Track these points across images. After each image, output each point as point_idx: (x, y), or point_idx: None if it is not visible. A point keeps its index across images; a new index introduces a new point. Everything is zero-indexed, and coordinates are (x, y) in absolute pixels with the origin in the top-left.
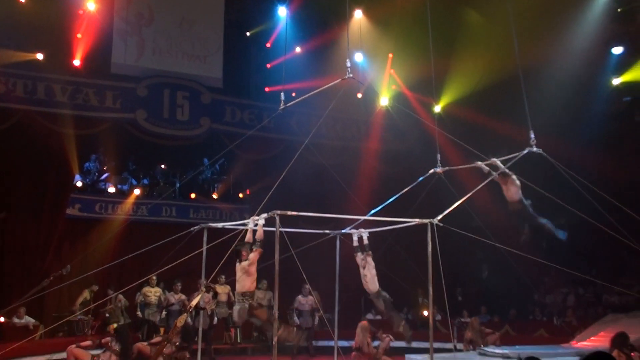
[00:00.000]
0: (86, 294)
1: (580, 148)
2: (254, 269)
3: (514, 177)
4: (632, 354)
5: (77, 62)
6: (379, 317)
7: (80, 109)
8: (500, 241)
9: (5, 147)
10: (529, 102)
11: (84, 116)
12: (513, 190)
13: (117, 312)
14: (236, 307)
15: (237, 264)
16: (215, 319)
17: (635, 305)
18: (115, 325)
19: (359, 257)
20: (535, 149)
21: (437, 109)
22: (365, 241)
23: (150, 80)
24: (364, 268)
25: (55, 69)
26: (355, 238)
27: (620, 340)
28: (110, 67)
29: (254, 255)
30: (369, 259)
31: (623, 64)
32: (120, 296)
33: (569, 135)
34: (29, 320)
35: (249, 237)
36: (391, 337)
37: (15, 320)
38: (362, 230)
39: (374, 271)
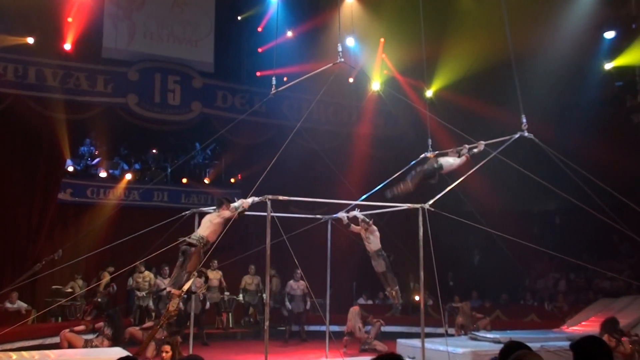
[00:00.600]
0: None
1: (571, 133)
2: (219, 225)
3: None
4: (623, 338)
5: (67, 47)
6: (370, 301)
7: (71, 94)
8: (492, 226)
9: None
10: (521, 86)
11: (75, 101)
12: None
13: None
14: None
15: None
16: (208, 303)
17: (625, 290)
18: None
19: (356, 228)
20: (526, 134)
21: (429, 93)
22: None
23: (141, 65)
24: (366, 230)
25: (46, 53)
26: (345, 220)
27: (610, 325)
28: (101, 51)
29: (227, 213)
30: (373, 227)
31: (615, 49)
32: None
33: (560, 120)
34: (21, 305)
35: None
36: (382, 322)
37: (8, 305)
38: (355, 212)
39: (377, 233)
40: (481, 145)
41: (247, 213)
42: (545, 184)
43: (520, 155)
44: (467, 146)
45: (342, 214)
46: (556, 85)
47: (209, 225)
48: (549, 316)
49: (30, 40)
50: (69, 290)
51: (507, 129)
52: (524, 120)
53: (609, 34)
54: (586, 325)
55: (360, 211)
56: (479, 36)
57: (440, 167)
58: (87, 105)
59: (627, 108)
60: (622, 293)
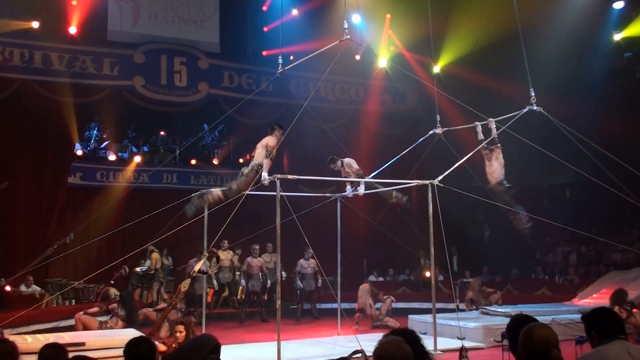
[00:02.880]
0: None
1: (580, 105)
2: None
3: (500, 152)
4: (635, 310)
5: (73, 30)
6: (380, 278)
7: (78, 77)
8: None
9: (5, 117)
10: (529, 60)
11: (82, 84)
12: (496, 167)
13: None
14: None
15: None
16: (215, 283)
17: (636, 262)
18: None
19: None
20: (535, 108)
21: (436, 69)
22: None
23: (146, 47)
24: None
25: (51, 37)
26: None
27: (619, 296)
28: (106, 34)
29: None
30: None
31: (624, 19)
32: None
33: (569, 93)
34: (35, 288)
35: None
36: (393, 298)
37: (23, 288)
38: (361, 189)
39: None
40: (492, 122)
41: (256, 192)
42: (555, 157)
43: (529, 129)
44: (485, 145)
45: (348, 189)
46: (564, 58)
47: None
48: (560, 289)
49: (35, 24)
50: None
51: (516, 102)
52: (533, 93)
53: (618, 4)
54: (597, 298)
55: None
56: (486, 10)
57: (506, 185)
58: (93, 88)
59: (637, 79)
60: (633, 265)
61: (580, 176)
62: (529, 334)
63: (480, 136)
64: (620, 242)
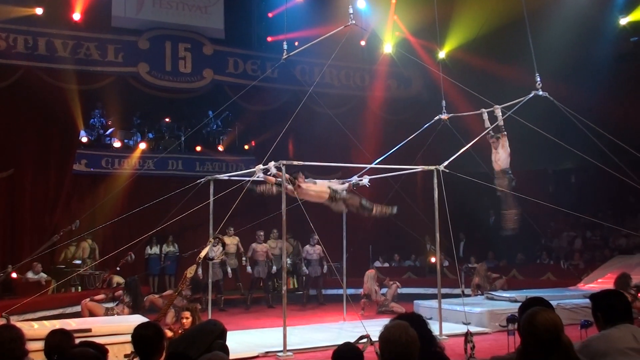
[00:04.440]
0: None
1: (586, 90)
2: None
3: (506, 140)
4: (639, 294)
5: (77, 16)
6: (386, 264)
7: (82, 64)
8: None
9: (10, 104)
10: (534, 44)
11: (87, 71)
12: (502, 155)
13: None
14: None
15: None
16: (229, 269)
17: None
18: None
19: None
20: (540, 92)
21: (442, 54)
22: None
23: (151, 33)
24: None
25: (55, 24)
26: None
27: (623, 281)
28: (110, 20)
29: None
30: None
31: (630, 4)
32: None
33: (574, 78)
34: (41, 275)
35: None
36: (398, 284)
37: (30, 275)
38: (364, 180)
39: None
40: (497, 109)
41: (261, 178)
42: (560, 142)
43: (534, 114)
44: (491, 132)
45: (354, 178)
46: (570, 42)
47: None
48: (565, 274)
49: (39, 10)
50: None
51: (521, 87)
52: (538, 78)
53: None
54: (602, 283)
55: (375, 174)
56: None
57: (509, 176)
58: (98, 75)
59: None
60: (638, 250)
61: (586, 161)
62: (531, 321)
63: (487, 124)
64: (626, 227)
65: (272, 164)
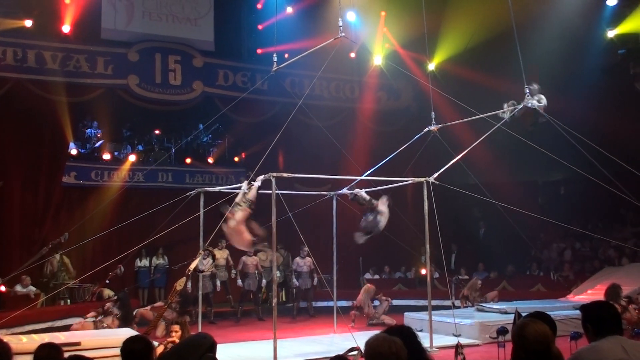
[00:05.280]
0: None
1: (574, 102)
2: (242, 227)
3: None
4: (630, 305)
5: (66, 29)
6: (376, 276)
7: (72, 76)
8: (497, 198)
9: None
10: (523, 56)
11: (76, 83)
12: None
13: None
14: None
15: (224, 225)
16: (218, 282)
17: (631, 258)
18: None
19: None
20: (529, 104)
21: (431, 66)
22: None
23: (141, 45)
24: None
25: (44, 36)
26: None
27: (613, 292)
28: (100, 32)
29: (241, 215)
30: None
31: (618, 16)
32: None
33: (563, 90)
34: (30, 288)
35: (239, 198)
36: (390, 300)
37: (19, 288)
38: (359, 191)
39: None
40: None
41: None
42: (549, 154)
43: (524, 125)
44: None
45: (346, 191)
46: (558, 54)
47: (235, 237)
48: (555, 286)
49: (28, 23)
50: None
51: (510, 99)
52: (527, 90)
53: (612, 1)
54: (592, 294)
55: (365, 186)
56: (480, 7)
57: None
58: (88, 87)
59: (631, 76)
60: (627, 261)
61: (575, 173)
62: (521, 333)
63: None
64: (615, 238)
65: (259, 178)
